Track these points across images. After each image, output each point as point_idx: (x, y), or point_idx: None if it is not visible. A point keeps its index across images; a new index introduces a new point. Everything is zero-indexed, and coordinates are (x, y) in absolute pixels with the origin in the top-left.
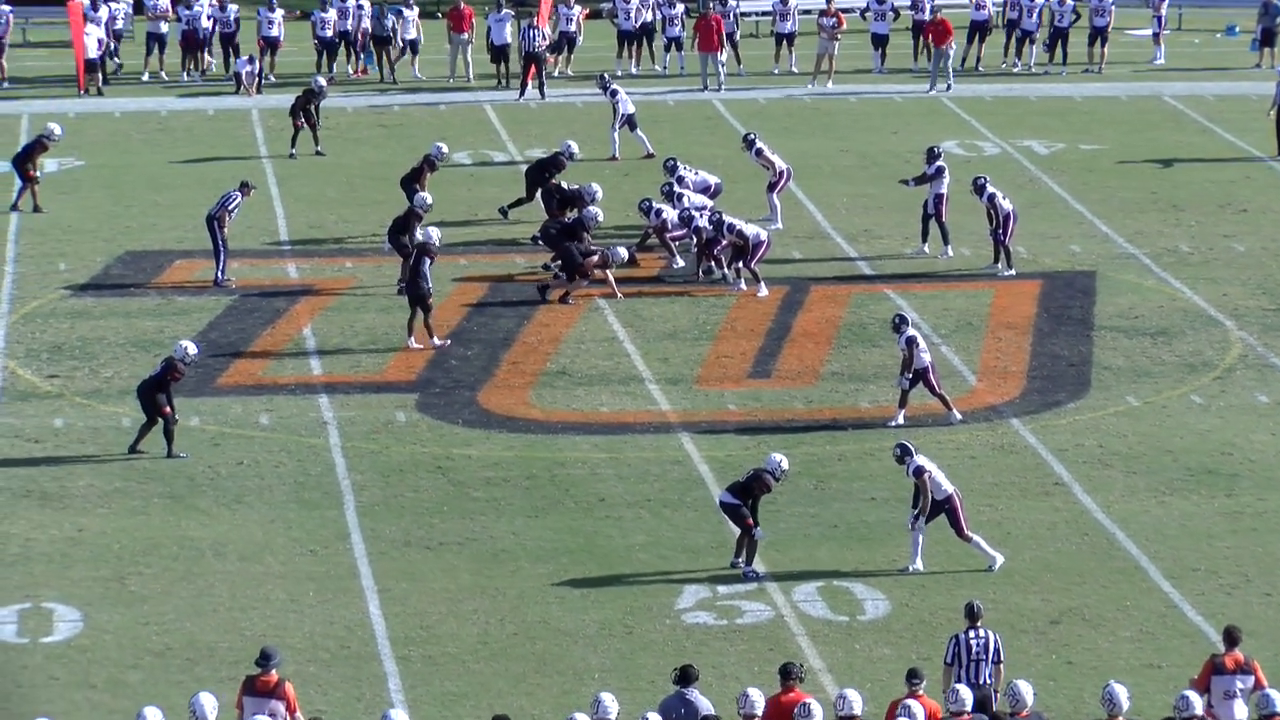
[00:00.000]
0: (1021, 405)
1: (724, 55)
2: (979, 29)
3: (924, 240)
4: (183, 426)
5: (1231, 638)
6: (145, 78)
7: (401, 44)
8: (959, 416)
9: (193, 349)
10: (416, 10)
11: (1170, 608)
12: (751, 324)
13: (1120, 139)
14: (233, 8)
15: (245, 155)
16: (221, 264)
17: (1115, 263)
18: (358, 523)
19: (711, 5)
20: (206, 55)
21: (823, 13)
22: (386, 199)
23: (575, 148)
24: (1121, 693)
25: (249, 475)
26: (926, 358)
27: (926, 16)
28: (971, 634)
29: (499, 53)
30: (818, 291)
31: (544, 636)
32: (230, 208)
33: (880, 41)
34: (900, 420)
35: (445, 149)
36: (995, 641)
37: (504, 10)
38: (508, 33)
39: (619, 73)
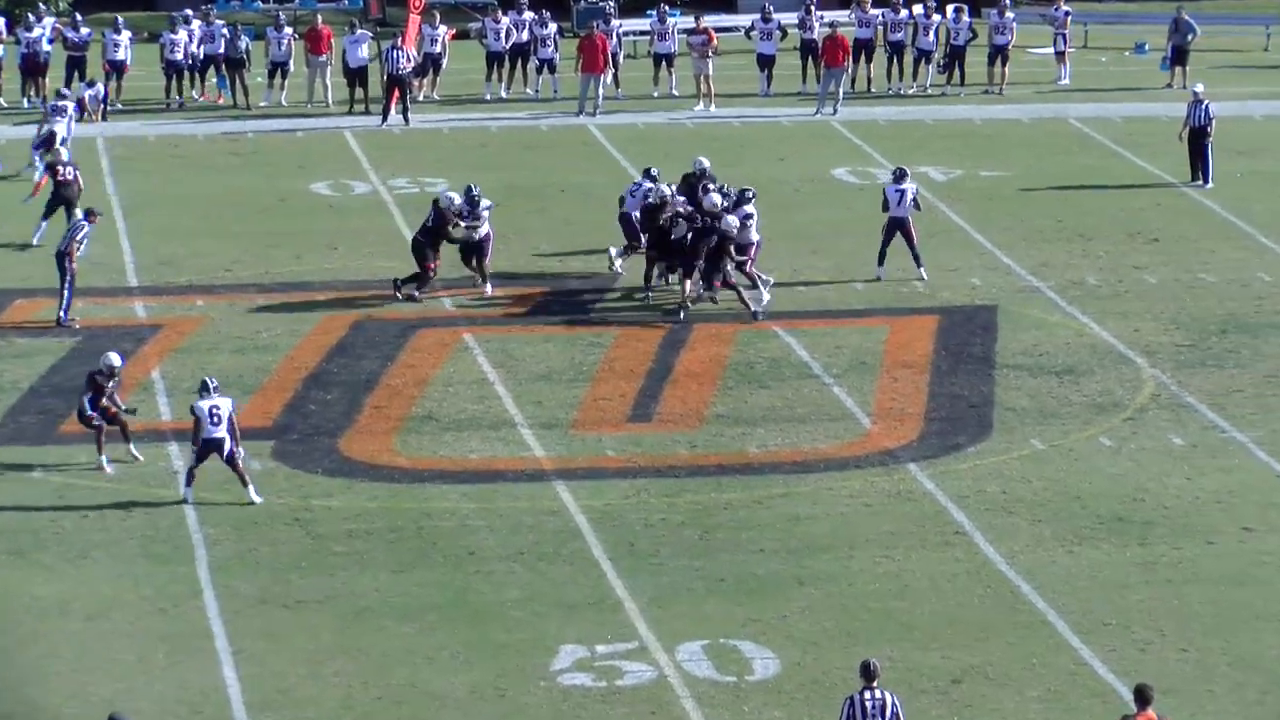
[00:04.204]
0: (919, 449)
1: (607, 77)
2: (863, 47)
3: (880, 262)
4: (24, 478)
5: (1144, 697)
6: None
7: (269, 66)
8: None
9: None
10: (291, 31)
11: (1080, 665)
12: (631, 364)
13: (1023, 164)
14: (85, 30)
15: (90, 185)
16: (66, 302)
17: (1019, 296)
18: (210, 579)
19: (596, 24)
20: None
21: (691, 31)
22: (242, 231)
23: (456, 199)
24: None
25: (94, 528)
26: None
27: (815, 35)
28: (867, 695)
29: (355, 75)
30: (701, 329)
31: (411, 700)
32: (79, 238)
33: (766, 62)
34: None
35: (456, 198)
36: (893, 702)
37: (359, 30)
38: (364, 53)
39: (488, 96)
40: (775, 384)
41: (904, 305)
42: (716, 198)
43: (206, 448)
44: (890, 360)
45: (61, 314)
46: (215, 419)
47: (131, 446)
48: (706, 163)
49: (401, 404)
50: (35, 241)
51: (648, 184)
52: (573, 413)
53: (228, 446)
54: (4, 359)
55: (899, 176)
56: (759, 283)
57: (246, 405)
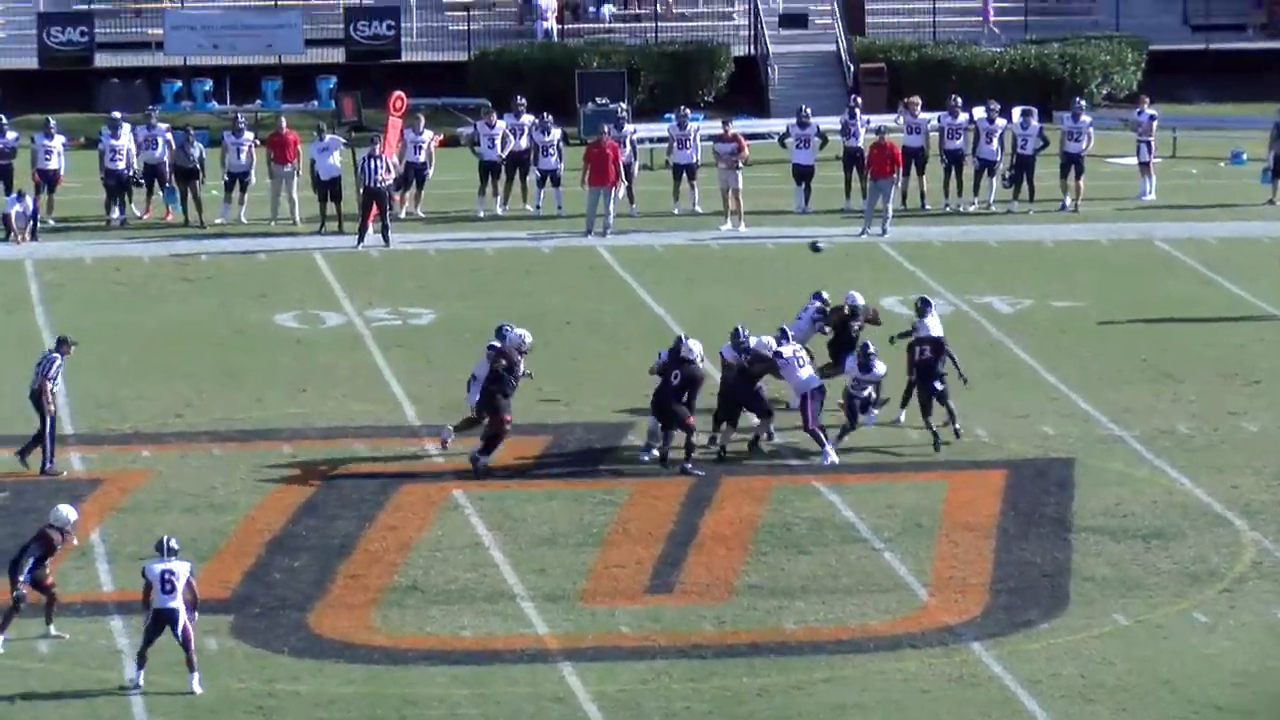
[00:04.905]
0: (984, 626)
1: (619, 190)
2: (915, 157)
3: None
4: None
5: None
6: None
7: (226, 177)
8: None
9: None
10: (251, 137)
11: None
12: (649, 526)
13: (1102, 293)
14: (11, 135)
15: (16, 315)
16: (49, 449)
17: (1098, 447)
18: None
19: (606, 130)
20: None
21: (718, 138)
22: (194, 370)
23: (528, 338)
24: None
25: (24, 717)
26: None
27: (860, 143)
28: None
29: (327, 188)
30: (730, 484)
31: None
32: (50, 374)
33: (804, 174)
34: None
35: (527, 336)
36: None
37: (328, 136)
38: (335, 162)
39: (481, 213)
40: (816, 549)
41: (965, 458)
42: (762, 341)
43: (158, 620)
44: (950, 522)
45: (46, 462)
46: (168, 586)
47: (52, 627)
48: (860, 299)
49: (381, 572)
50: None
51: (817, 304)
52: (581, 582)
53: (182, 620)
54: None
55: (922, 309)
56: (822, 441)
57: (200, 573)
